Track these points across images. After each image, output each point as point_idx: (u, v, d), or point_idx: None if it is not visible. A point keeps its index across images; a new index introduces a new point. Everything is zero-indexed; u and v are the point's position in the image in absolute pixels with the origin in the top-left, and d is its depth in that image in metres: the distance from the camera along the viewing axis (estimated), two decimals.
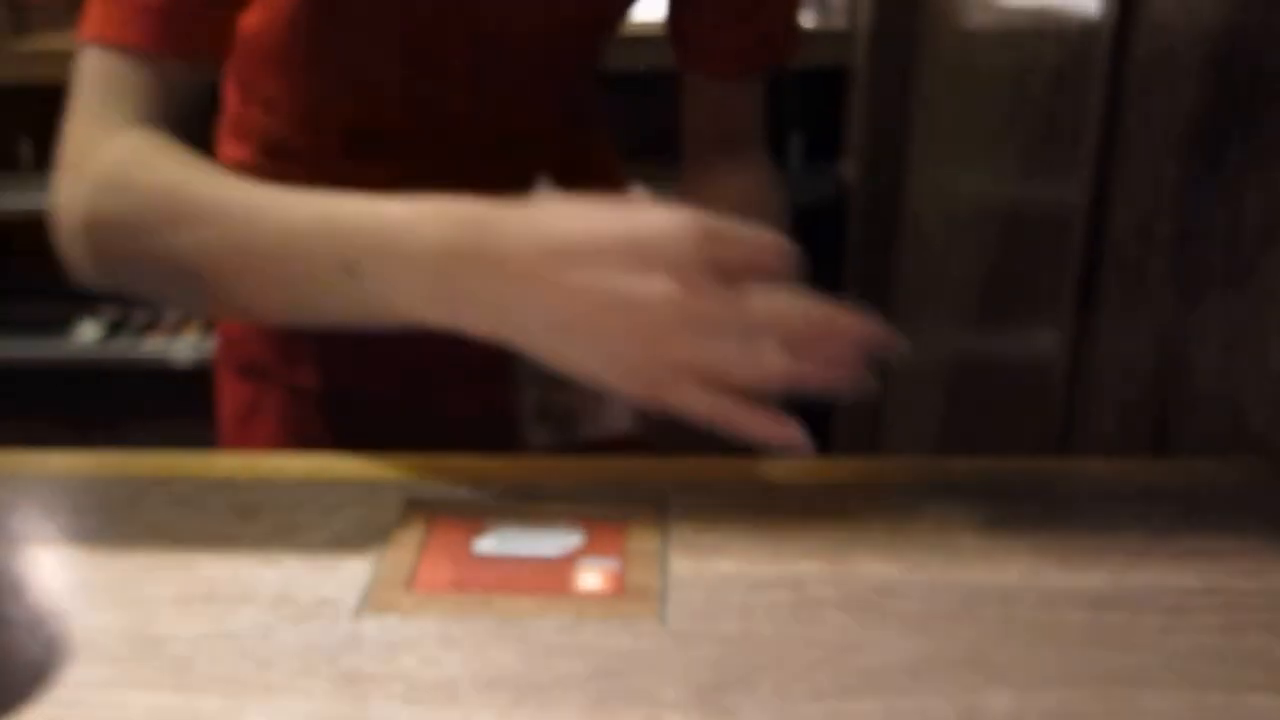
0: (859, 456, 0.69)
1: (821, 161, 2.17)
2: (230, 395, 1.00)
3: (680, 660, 0.52)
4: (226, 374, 1.01)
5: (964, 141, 1.76)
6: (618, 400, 0.87)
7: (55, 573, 0.60)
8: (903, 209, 2.02)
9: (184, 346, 2.22)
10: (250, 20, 0.82)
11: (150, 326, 2.30)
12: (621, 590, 0.57)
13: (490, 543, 0.61)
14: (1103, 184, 1.07)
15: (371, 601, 0.57)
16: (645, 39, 1.02)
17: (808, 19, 2.10)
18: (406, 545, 0.61)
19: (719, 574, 0.58)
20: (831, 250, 2.11)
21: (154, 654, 0.54)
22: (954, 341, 1.81)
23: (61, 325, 2.32)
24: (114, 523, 0.64)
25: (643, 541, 0.61)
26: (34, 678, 0.52)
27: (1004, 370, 1.45)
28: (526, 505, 0.65)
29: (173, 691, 0.51)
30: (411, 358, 0.87)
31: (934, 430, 1.78)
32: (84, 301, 2.35)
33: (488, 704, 0.50)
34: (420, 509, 0.64)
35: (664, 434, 0.68)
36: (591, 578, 0.58)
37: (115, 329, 2.31)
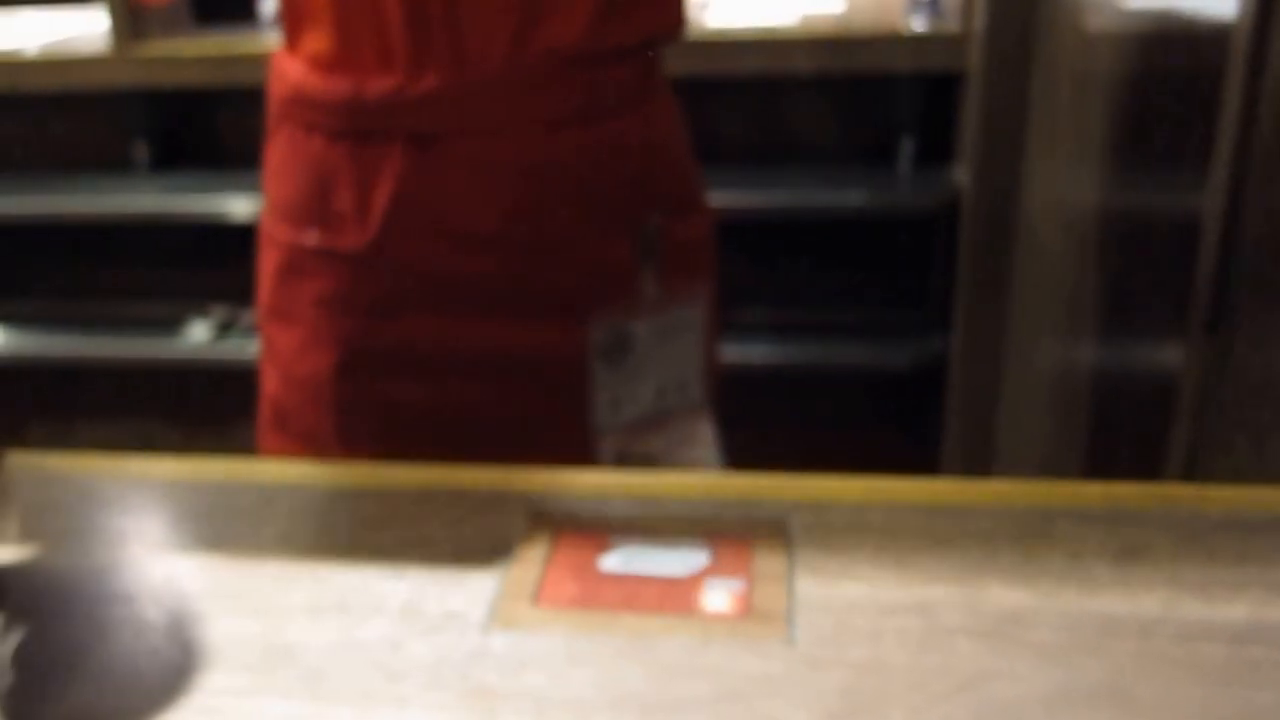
0: (973, 476, 0.69)
1: (933, 167, 2.15)
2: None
3: (809, 685, 0.53)
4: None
5: (1083, 147, 1.74)
6: (700, 441, 0.89)
7: (190, 578, 0.62)
8: (1017, 216, 1.99)
9: None
10: None
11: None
12: (748, 612, 0.58)
13: (616, 560, 0.62)
14: (1236, 194, 1.04)
15: (498, 616, 0.58)
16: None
17: (919, 22, 2.09)
18: (531, 560, 0.62)
19: (846, 598, 0.58)
20: (943, 258, 2.09)
21: (287, 663, 0.55)
22: (1069, 356, 1.78)
23: (172, 325, 2.39)
24: (245, 531, 0.67)
25: (769, 563, 0.61)
26: (172, 683, 0.55)
27: (1124, 388, 1.43)
28: (651, 522, 0.65)
29: (306, 701, 0.53)
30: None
31: (1045, 449, 1.76)
32: (195, 302, 2.41)
33: None
34: (544, 522, 0.65)
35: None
36: (718, 598, 0.59)
37: (225, 329, 2.37)
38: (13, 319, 2.43)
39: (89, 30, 2.30)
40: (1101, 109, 1.62)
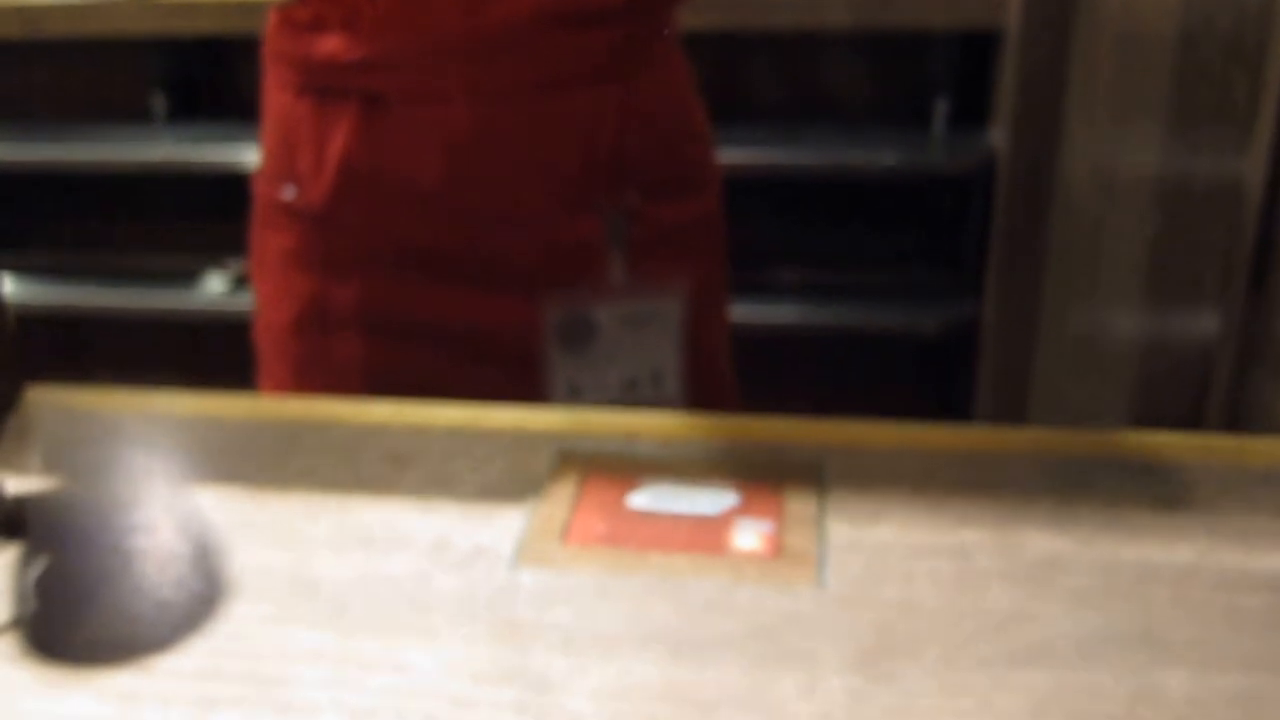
0: (1018, 426, 0.69)
1: (969, 128, 2.14)
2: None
3: (840, 624, 0.53)
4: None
5: (1124, 109, 1.72)
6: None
7: (213, 511, 0.63)
8: (1054, 179, 1.98)
9: None
10: None
11: None
12: (779, 552, 0.58)
13: (644, 498, 0.62)
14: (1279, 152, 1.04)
15: (527, 552, 0.59)
16: None
17: None
18: (559, 498, 0.63)
19: (879, 540, 0.59)
20: (978, 221, 2.09)
21: (313, 594, 0.56)
22: (1108, 319, 1.78)
23: (189, 277, 2.40)
24: (269, 466, 0.67)
25: (799, 505, 0.62)
26: (196, 611, 0.55)
27: (1164, 350, 1.43)
28: (680, 462, 0.66)
29: (333, 632, 0.54)
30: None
31: (1079, 414, 1.75)
32: (211, 254, 2.42)
33: (645, 659, 0.51)
34: (572, 462, 0.66)
35: None
36: (748, 539, 0.59)
37: (242, 282, 2.38)
38: (27, 270, 2.44)
39: None
40: (1144, 69, 1.61)
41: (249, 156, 2.20)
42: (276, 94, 0.90)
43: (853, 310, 2.13)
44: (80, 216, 2.49)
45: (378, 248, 0.88)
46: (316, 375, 0.91)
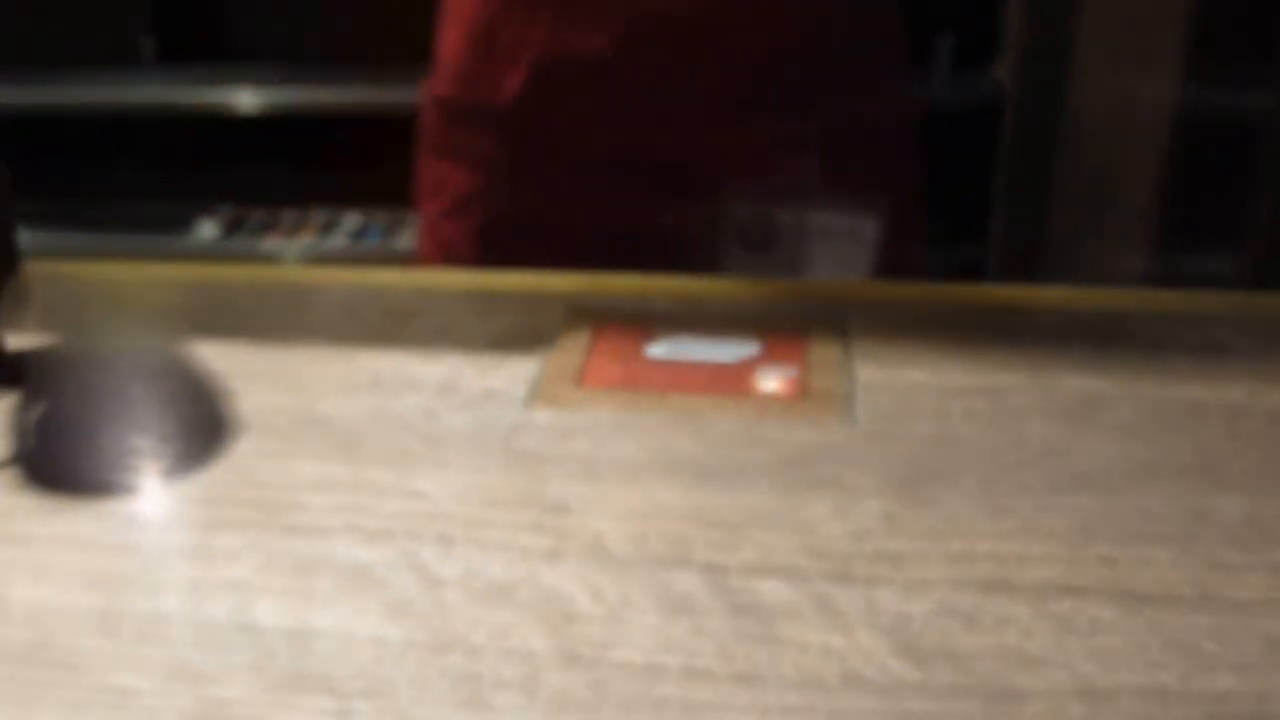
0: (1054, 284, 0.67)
1: (974, 64, 2.11)
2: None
3: (874, 454, 0.51)
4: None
5: (1134, 44, 1.70)
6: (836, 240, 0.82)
7: (217, 361, 0.60)
8: (1063, 116, 1.96)
9: (301, 248, 2.25)
10: None
11: (268, 227, 2.33)
12: (805, 393, 0.56)
13: (662, 348, 0.60)
14: None
15: (540, 394, 0.56)
16: None
17: None
18: (573, 347, 0.61)
19: (909, 382, 0.56)
20: (984, 160, 2.06)
21: (322, 431, 0.54)
22: (1120, 263, 1.76)
23: (180, 223, 2.37)
24: (272, 323, 0.65)
25: (824, 351, 0.59)
26: (203, 446, 0.53)
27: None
28: (697, 317, 0.63)
29: (342, 463, 0.51)
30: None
31: None
32: (202, 200, 2.39)
33: (670, 484, 0.49)
34: (584, 316, 0.64)
35: None
36: (771, 382, 0.57)
37: (233, 228, 2.35)
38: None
39: None
40: (1155, 2, 1.59)
41: (241, 99, 2.17)
42: None
43: None
44: (68, 163, 2.45)
45: (562, 150, 0.84)
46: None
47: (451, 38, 0.88)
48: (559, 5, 0.81)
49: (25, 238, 0.66)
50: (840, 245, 0.83)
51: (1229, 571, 0.43)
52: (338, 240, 2.30)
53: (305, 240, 2.31)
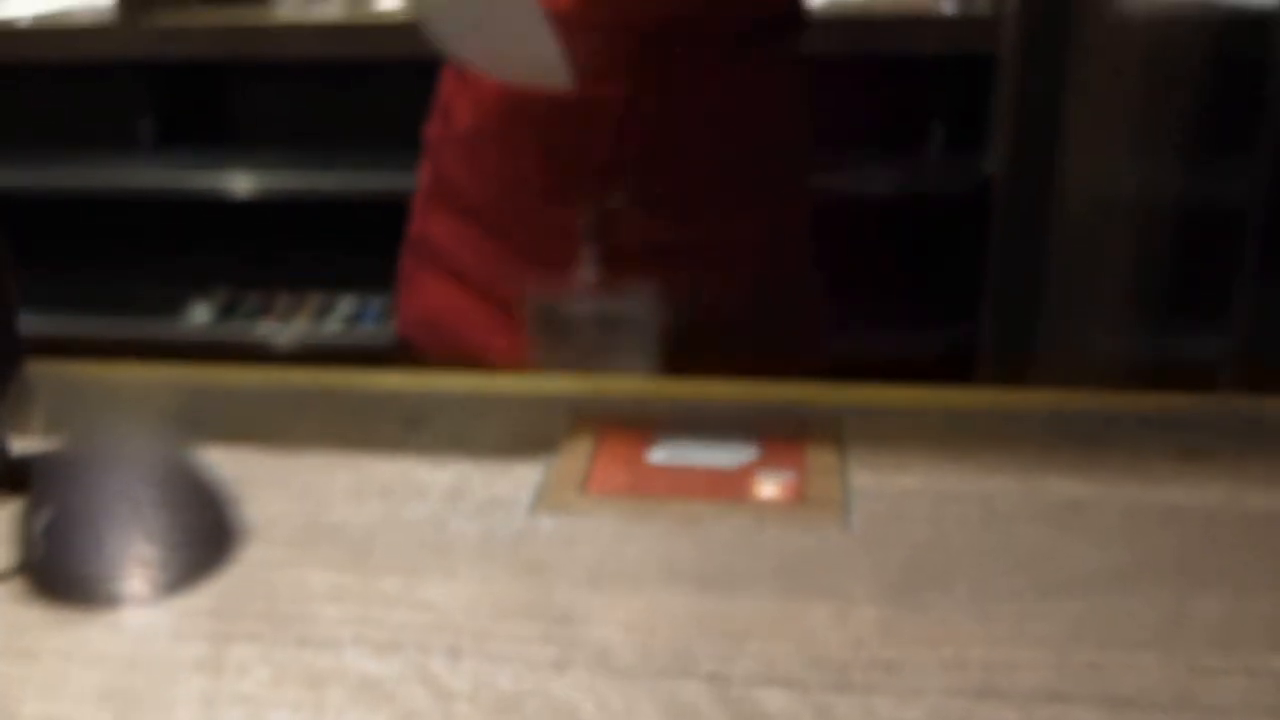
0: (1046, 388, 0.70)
1: (964, 153, 2.16)
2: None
3: (869, 561, 0.53)
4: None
5: (1121, 133, 1.74)
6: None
7: (226, 466, 0.63)
8: (1051, 203, 2.00)
9: (293, 331, 2.28)
10: None
11: (263, 310, 2.36)
12: (802, 499, 0.58)
13: (664, 453, 0.63)
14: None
15: (546, 500, 0.59)
16: None
17: (949, 5, 2.10)
18: (577, 453, 0.63)
19: (903, 488, 0.59)
20: (973, 246, 2.10)
21: (331, 538, 0.56)
22: (1107, 346, 1.79)
23: (174, 306, 2.40)
24: (280, 427, 0.67)
25: (821, 456, 0.62)
26: (213, 554, 0.55)
27: (1165, 377, 1.43)
28: (697, 420, 0.66)
29: (352, 572, 0.53)
30: None
31: None
32: (197, 283, 2.42)
33: (673, 591, 0.51)
34: (588, 421, 0.66)
35: None
36: (770, 487, 0.59)
37: (228, 312, 2.38)
38: None
39: (95, 1, 2.31)
40: (1141, 94, 1.63)
41: (236, 184, 2.21)
42: None
43: (849, 336, 2.14)
44: (64, 244, 2.49)
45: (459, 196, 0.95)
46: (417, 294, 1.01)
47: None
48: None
49: (21, 320, 0.68)
50: (625, 334, 0.89)
51: (1208, 675, 0.45)
52: (333, 324, 2.33)
53: (300, 324, 2.34)
